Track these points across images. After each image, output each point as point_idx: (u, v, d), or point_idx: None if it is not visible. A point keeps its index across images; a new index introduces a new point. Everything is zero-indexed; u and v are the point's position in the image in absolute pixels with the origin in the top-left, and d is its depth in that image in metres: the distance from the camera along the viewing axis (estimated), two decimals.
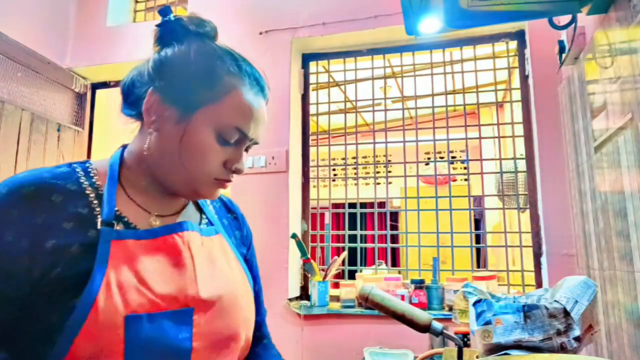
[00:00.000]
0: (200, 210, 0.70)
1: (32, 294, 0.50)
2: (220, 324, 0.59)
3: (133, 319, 0.50)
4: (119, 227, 0.57)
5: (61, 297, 0.50)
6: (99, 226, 0.55)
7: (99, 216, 0.56)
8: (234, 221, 0.75)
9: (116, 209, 0.58)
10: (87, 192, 0.57)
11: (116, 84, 2.55)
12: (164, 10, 0.62)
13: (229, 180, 0.62)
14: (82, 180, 0.58)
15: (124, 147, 0.65)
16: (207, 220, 0.69)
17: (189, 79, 0.59)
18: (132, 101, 0.62)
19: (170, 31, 0.62)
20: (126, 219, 0.58)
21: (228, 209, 0.76)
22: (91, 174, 0.60)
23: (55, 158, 2.27)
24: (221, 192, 0.65)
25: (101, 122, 2.57)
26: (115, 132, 2.91)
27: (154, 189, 0.63)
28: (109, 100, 2.66)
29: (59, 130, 2.29)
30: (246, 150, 0.64)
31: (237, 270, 0.66)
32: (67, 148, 2.35)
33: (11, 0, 2.13)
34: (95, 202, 0.57)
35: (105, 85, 2.56)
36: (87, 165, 0.62)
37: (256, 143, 0.64)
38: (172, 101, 0.58)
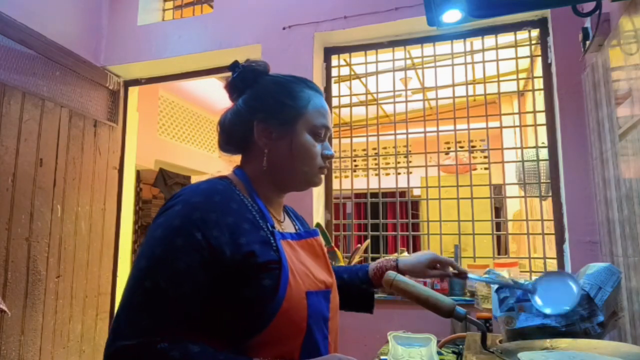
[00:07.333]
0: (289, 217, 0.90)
1: (225, 273, 0.66)
2: (335, 298, 0.82)
3: (310, 294, 0.72)
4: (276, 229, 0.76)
5: (256, 277, 0.68)
6: (266, 228, 0.73)
7: (260, 220, 0.74)
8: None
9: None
10: (245, 201, 0.75)
11: (147, 81, 2.63)
12: (234, 65, 0.82)
13: (327, 167, 0.82)
14: (237, 192, 0.76)
15: (237, 168, 0.82)
16: (299, 227, 0.89)
17: (279, 104, 0.79)
18: (235, 139, 0.82)
19: (242, 78, 0.81)
20: (274, 224, 0.77)
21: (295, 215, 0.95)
22: (237, 188, 0.77)
23: (92, 153, 2.37)
24: None
25: (133, 118, 2.66)
26: (144, 127, 3.00)
27: (273, 199, 0.81)
28: (139, 98, 2.75)
29: (95, 126, 2.39)
30: (329, 140, 0.85)
31: None
32: (102, 143, 2.45)
33: (47, 3, 2.23)
34: (253, 207, 0.75)
35: (137, 82, 2.63)
36: (229, 180, 0.78)
37: (331, 133, 0.85)
38: (273, 124, 0.78)
